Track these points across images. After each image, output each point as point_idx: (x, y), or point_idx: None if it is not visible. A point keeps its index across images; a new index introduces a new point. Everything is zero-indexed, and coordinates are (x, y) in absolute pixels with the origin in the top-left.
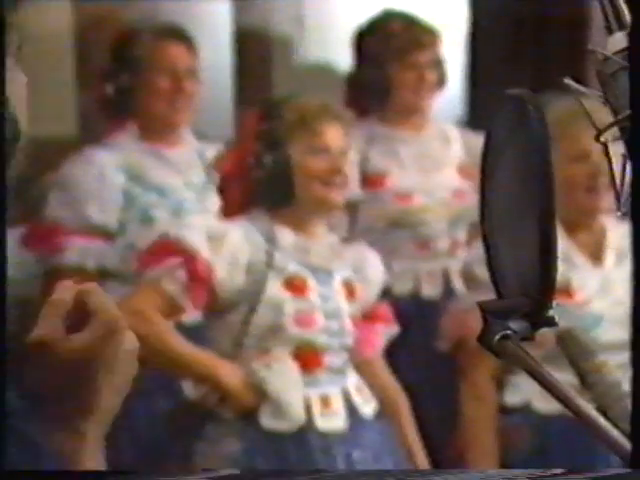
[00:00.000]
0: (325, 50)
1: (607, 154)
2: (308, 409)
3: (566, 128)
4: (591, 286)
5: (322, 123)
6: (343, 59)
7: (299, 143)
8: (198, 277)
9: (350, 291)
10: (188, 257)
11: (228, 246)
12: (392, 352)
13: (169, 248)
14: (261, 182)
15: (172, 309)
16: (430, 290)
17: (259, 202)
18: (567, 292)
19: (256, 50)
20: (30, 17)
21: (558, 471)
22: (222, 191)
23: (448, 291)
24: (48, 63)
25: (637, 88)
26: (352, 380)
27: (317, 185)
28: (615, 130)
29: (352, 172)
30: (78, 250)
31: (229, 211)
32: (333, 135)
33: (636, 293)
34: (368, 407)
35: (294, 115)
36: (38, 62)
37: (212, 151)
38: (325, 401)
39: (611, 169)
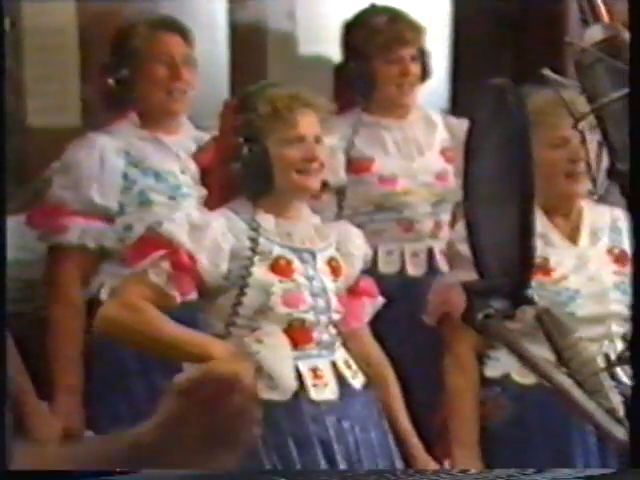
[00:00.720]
0: (317, 44)
1: (584, 142)
2: (300, 380)
3: (545, 116)
4: (568, 264)
5: (295, 112)
6: (335, 52)
7: (274, 134)
8: (182, 267)
9: (334, 268)
10: (172, 249)
11: (210, 236)
12: (380, 327)
13: (153, 242)
14: (241, 173)
15: (160, 299)
16: (415, 269)
17: (240, 192)
18: (546, 270)
19: (252, 44)
20: (35, 12)
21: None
22: (204, 183)
23: (432, 270)
24: (53, 57)
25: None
26: (341, 354)
27: (294, 173)
28: (591, 118)
29: (337, 157)
30: (80, 230)
31: (212, 204)
32: (306, 123)
33: (636, 293)
34: (356, 380)
35: (267, 107)
36: (44, 56)
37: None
38: (315, 373)
39: (587, 156)
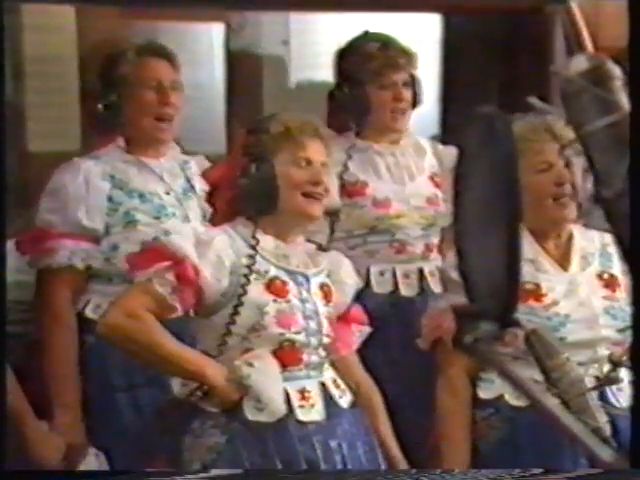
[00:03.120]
0: (311, 70)
1: (569, 168)
2: (288, 402)
3: (531, 142)
4: (559, 289)
5: (305, 137)
6: (328, 78)
7: (283, 154)
8: (187, 279)
9: (326, 294)
10: (177, 261)
11: (214, 251)
12: (373, 346)
13: (159, 252)
14: (247, 191)
15: (163, 309)
16: (407, 290)
17: (244, 210)
18: (537, 295)
19: (248, 70)
20: (36, 41)
21: (537, 471)
22: (211, 202)
23: (424, 290)
24: (54, 84)
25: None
26: (329, 374)
27: (299, 196)
28: (577, 146)
29: (333, 183)
30: (69, 251)
31: (217, 220)
32: (315, 149)
33: (636, 294)
34: (344, 399)
35: (279, 128)
36: (44, 83)
37: (194, 163)
38: (303, 394)
39: (573, 181)
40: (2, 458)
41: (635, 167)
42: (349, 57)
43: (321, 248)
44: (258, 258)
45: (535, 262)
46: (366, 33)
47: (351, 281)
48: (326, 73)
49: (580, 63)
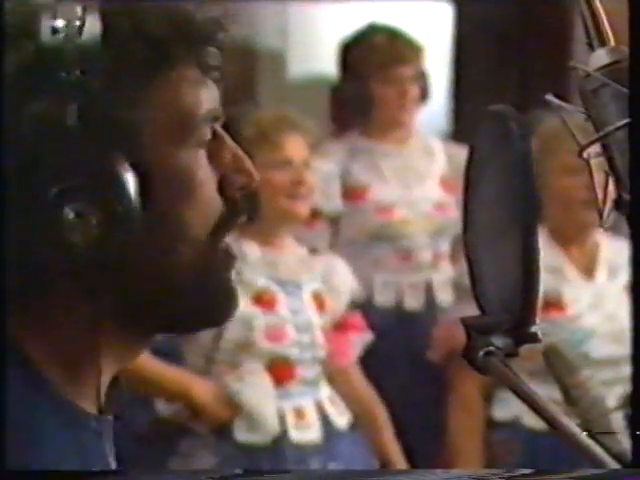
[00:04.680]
0: (310, 63)
1: (589, 170)
2: (282, 421)
3: (559, 141)
4: (583, 300)
5: (281, 135)
6: (329, 72)
7: (260, 158)
8: None
9: (320, 303)
10: None
11: None
12: (373, 363)
13: None
14: None
15: None
16: (412, 302)
17: None
18: (559, 306)
19: (240, 63)
20: None
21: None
22: None
23: (431, 303)
24: None
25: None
26: (325, 392)
27: (281, 198)
28: (597, 146)
29: (332, 184)
30: None
31: None
32: (294, 147)
33: (636, 294)
34: (342, 419)
35: (253, 130)
36: None
37: None
38: (299, 413)
39: (593, 185)
40: (2, 458)
41: (637, 170)
42: (353, 50)
43: (313, 252)
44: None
45: (557, 269)
46: (372, 24)
47: (347, 286)
48: (327, 66)
49: (600, 57)
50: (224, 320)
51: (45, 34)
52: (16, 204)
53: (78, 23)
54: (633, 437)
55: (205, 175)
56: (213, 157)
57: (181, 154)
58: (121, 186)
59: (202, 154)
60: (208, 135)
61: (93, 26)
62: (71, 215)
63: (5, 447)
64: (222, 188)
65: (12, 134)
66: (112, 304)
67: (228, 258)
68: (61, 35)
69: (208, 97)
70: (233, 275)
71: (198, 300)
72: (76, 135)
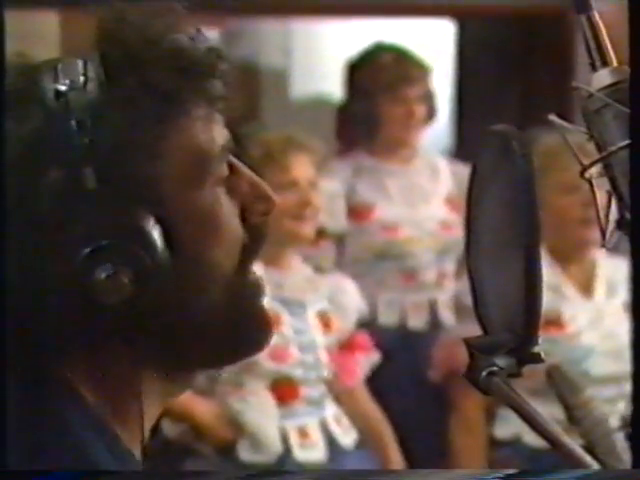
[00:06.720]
0: (315, 82)
1: (592, 190)
2: (286, 441)
3: (557, 159)
4: (582, 318)
5: (288, 157)
6: (334, 91)
7: (266, 179)
8: None
9: (326, 322)
10: None
11: None
12: (378, 383)
13: None
14: None
15: None
16: (416, 321)
17: None
18: (558, 324)
19: (242, 82)
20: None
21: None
22: None
23: (435, 322)
24: None
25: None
26: (330, 411)
27: (287, 220)
28: (600, 166)
29: (337, 203)
30: None
31: None
32: (300, 168)
33: (636, 295)
34: (347, 438)
35: (259, 151)
36: None
37: None
38: (303, 432)
39: (596, 205)
40: (3, 458)
41: (637, 185)
42: (360, 69)
43: (319, 271)
44: None
45: (556, 288)
46: (379, 44)
47: (354, 306)
48: (332, 86)
49: (603, 78)
50: (263, 347)
51: (50, 99)
52: (45, 271)
53: (82, 79)
54: (633, 436)
55: (227, 210)
56: (231, 189)
57: (202, 195)
58: (148, 240)
59: (221, 190)
60: (226, 171)
61: (97, 77)
62: (102, 276)
63: (5, 447)
64: (244, 217)
65: (28, 205)
66: (151, 350)
67: (258, 285)
68: (67, 98)
69: (219, 131)
70: (264, 301)
71: (235, 332)
72: (97, 197)
